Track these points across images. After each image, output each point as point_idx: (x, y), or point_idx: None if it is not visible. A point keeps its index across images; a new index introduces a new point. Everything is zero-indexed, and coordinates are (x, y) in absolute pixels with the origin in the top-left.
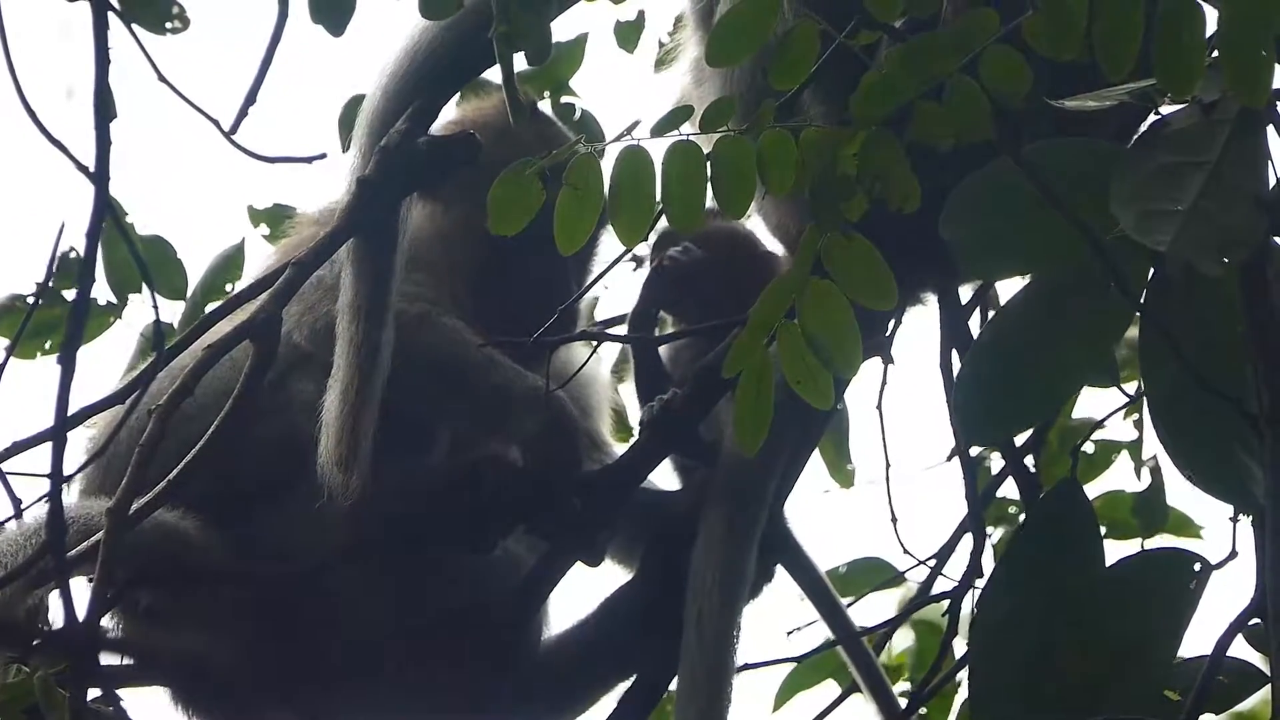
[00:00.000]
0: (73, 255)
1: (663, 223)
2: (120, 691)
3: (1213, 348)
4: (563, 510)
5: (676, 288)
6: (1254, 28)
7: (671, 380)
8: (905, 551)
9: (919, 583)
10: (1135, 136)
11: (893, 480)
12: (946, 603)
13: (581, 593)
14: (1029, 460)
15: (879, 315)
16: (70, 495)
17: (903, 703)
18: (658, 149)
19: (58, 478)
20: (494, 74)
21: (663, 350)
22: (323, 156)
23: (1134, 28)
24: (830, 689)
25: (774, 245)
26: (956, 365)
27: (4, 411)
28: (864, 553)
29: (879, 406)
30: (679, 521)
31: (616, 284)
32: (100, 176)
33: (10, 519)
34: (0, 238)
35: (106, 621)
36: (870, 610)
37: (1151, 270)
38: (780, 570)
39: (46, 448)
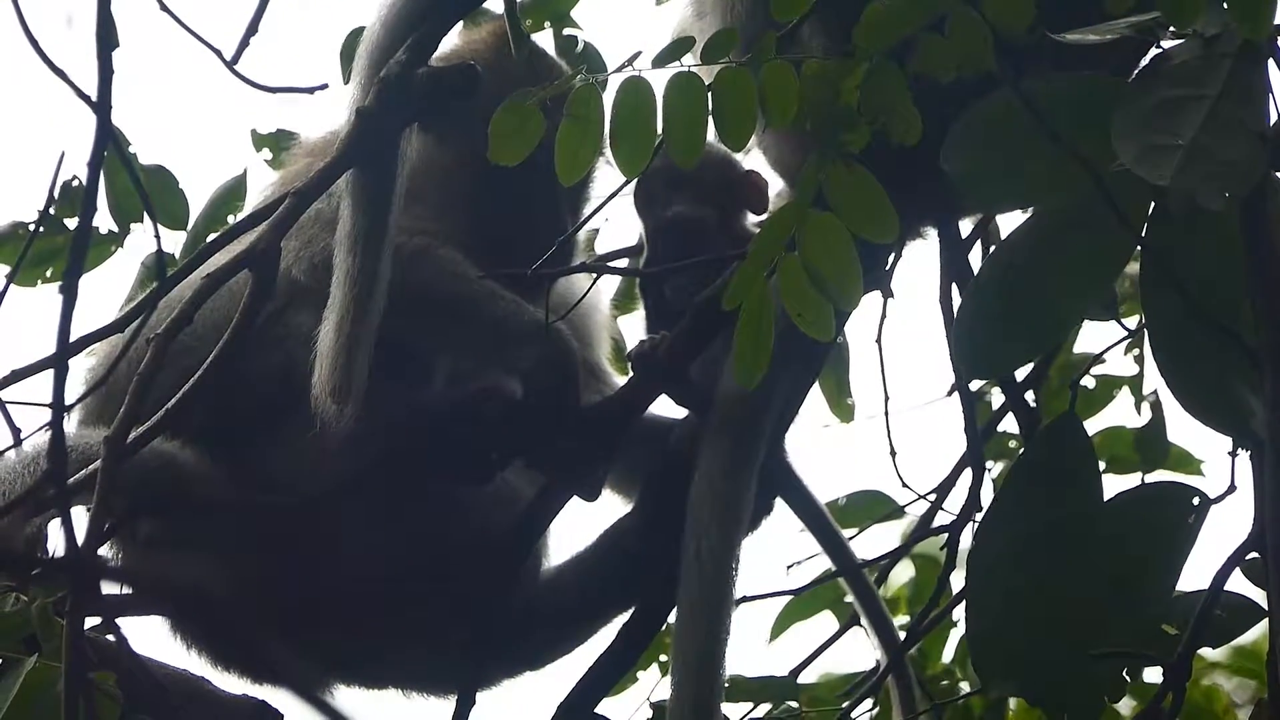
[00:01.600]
0: (74, 184)
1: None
2: (119, 621)
3: (1213, 282)
4: (561, 443)
5: (690, 241)
6: None
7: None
8: (905, 485)
9: (919, 516)
10: (1136, 70)
11: (892, 414)
12: (945, 536)
13: (580, 524)
14: (1029, 395)
15: (879, 248)
16: (70, 425)
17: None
18: (659, 81)
19: (59, 406)
20: (495, 5)
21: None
22: (324, 87)
23: None
24: (826, 620)
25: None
26: (956, 299)
27: (4, 340)
28: (864, 487)
29: (878, 340)
30: (678, 454)
31: (615, 216)
32: (102, 105)
33: (10, 448)
34: (1, 165)
35: (106, 551)
36: (870, 544)
37: (1152, 204)
38: (780, 504)
39: (45, 377)
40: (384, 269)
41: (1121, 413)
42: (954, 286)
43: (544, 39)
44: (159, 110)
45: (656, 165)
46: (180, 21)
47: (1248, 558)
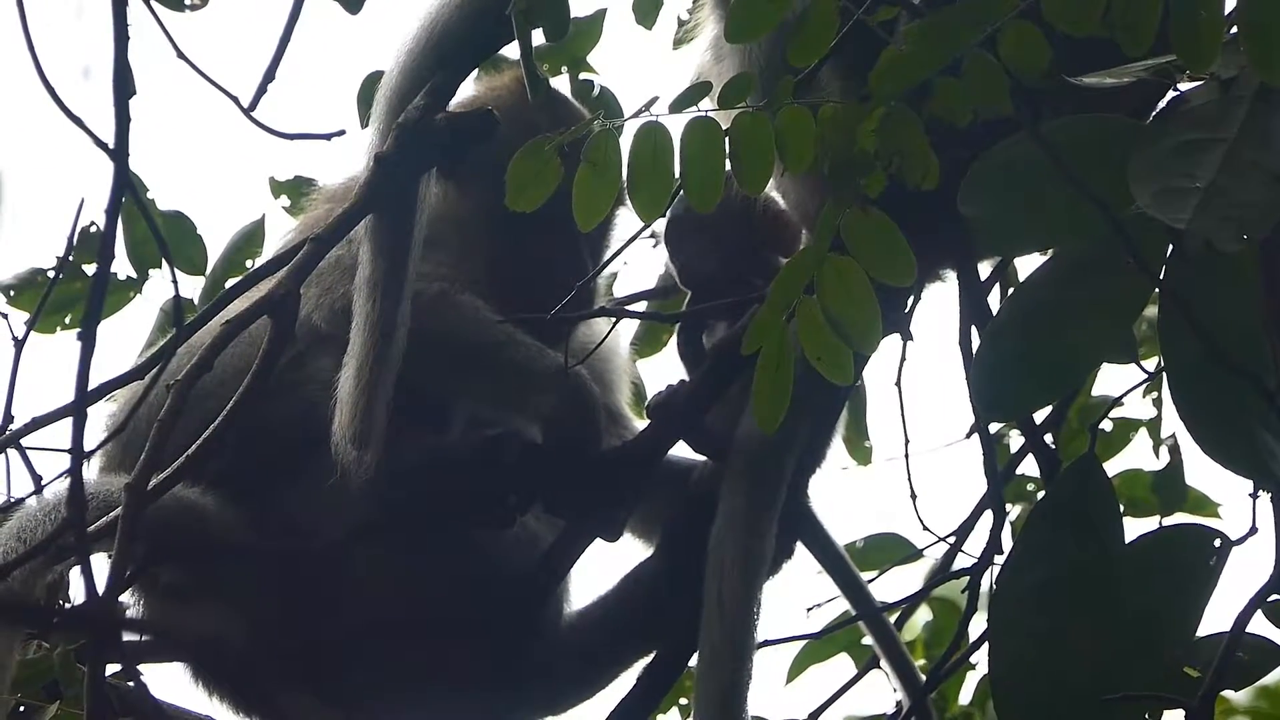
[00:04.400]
0: (93, 230)
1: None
2: (140, 667)
3: (1231, 324)
4: (581, 487)
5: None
6: (1273, 3)
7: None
8: (925, 528)
9: (938, 559)
10: (1154, 113)
11: (912, 457)
12: (965, 579)
13: (602, 568)
14: (1049, 438)
15: (898, 291)
16: (90, 471)
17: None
18: (676, 126)
19: (78, 453)
20: (512, 50)
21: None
22: (341, 133)
23: (1153, 3)
24: (844, 663)
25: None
26: (976, 342)
27: (24, 386)
28: (883, 529)
29: (898, 383)
30: (699, 497)
31: (634, 260)
32: (120, 153)
33: (31, 494)
34: (21, 213)
35: (127, 598)
36: (889, 587)
37: (1170, 247)
38: (800, 547)
39: (66, 423)
40: (403, 315)
41: (1140, 456)
42: (973, 329)
43: (561, 84)
44: (177, 157)
45: (679, 210)
46: (198, 69)
47: (1269, 600)
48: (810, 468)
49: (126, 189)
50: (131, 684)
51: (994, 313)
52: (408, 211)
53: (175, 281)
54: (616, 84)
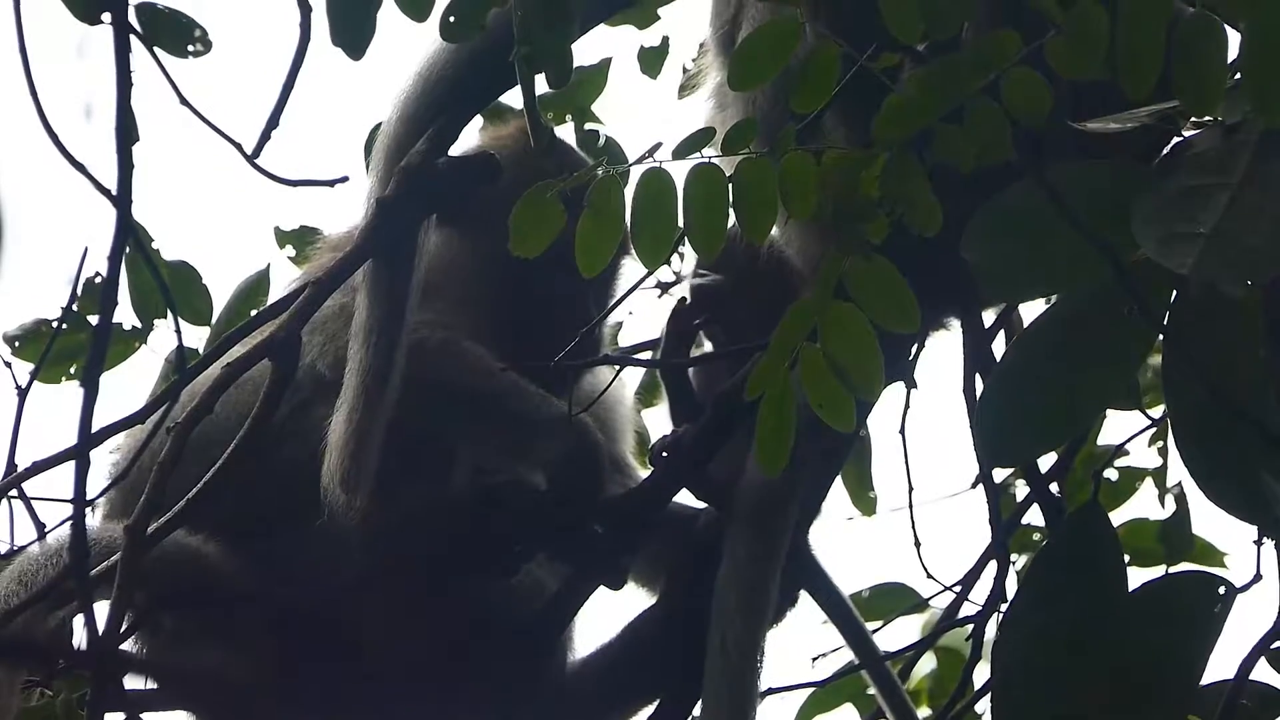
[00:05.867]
0: (97, 279)
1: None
2: (142, 714)
3: (1236, 370)
4: (585, 535)
5: (699, 317)
6: (1276, 49)
7: (702, 404)
8: (929, 577)
9: (943, 608)
10: (1158, 158)
11: (916, 506)
12: (970, 628)
13: (606, 616)
14: (1054, 486)
15: (902, 339)
16: (93, 518)
17: None
18: (679, 173)
19: (81, 499)
20: (514, 99)
21: (694, 373)
22: (345, 180)
23: (1156, 49)
24: (849, 713)
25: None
26: (979, 389)
27: (28, 437)
28: (888, 579)
29: (902, 431)
30: (703, 545)
31: (639, 307)
32: (123, 200)
33: (33, 542)
34: (23, 261)
35: (129, 644)
36: (893, 636)
37: (1174, 293)
38: (804, 595)
39: (68, 473)
40: (397, 360)
41: (1145, 505)
42: (977, 376)
43: (567, 133)
44: (180, 204)
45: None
46: (201, 115)
47: (1273, 647)
48: (811, 515)
49: (130, 237)
50: None
51: (998, 360)
52: (407, 257)
53: (179, 332)
54: (622, 133)
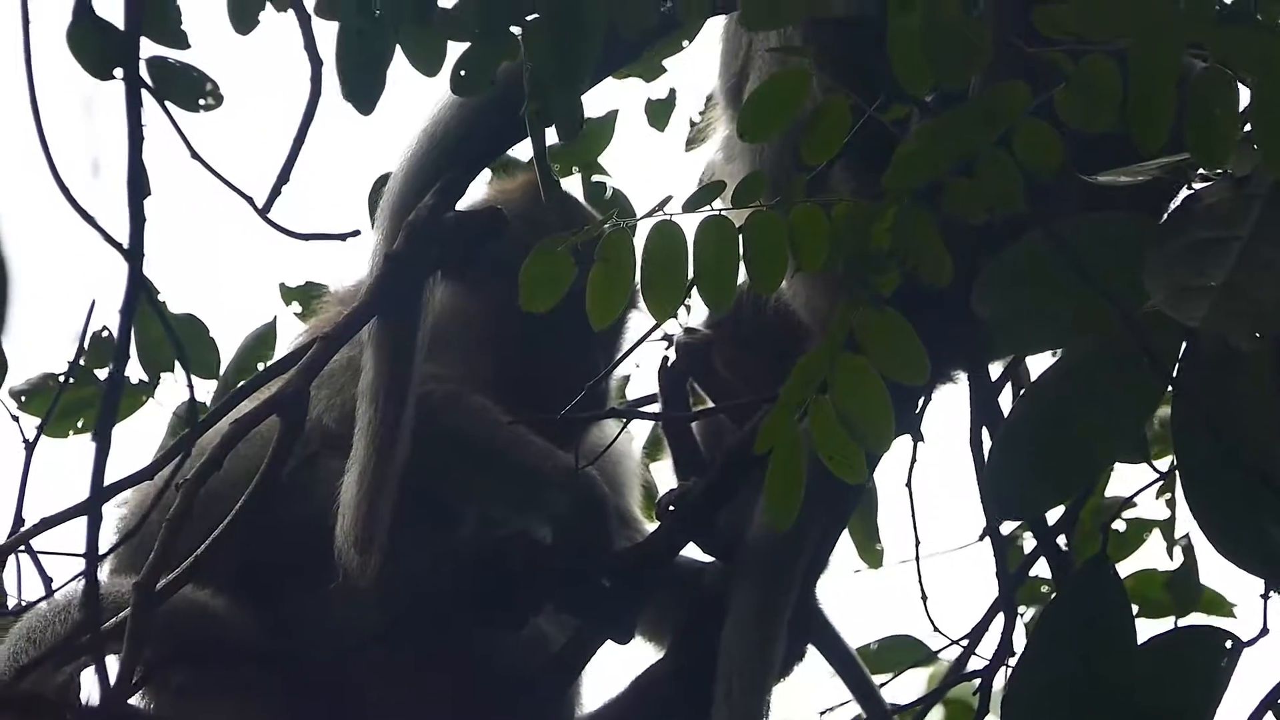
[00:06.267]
0: (104, 334)
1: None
2: None
3: (1245, 422)
4: (592, 588)
5: (689, 371)
6: None
7: (705, 458)
8: (936, 630)
9: (951, 661)
10: (1168, 211)
11: (923, 558)
12: (978, 681)
13: (613, 670)
14: (1061, 539)
15: (910, 391)
16: (100, 573)
17: None
18: (689, 225)
19: (93, 554)
20: (521, 151)
21: (696, 427)
22: (356, 234)
23: (1168, 101)
24: None
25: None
26: (987, 443)
27: (34, 491)
28: (895, 631)
29: (909, 484)
30: (709, 599)
31: (646, 360)
32: (135, 254)
33: (42, 598)
34: (27, 314)
35: (138, 700)
36: (901, 689)
37: (1184, 345)
38: (811, 649)
39: (76, 527)
40: (406, 419)
41: (1153, 556)
42: (984, 429)
43: (573, 185)
44: (188, 256)
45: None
46: (212, 169)
47: None
48: (818, 569)
49: (142, 291)
50: None
51: (1005, 413)
52: (413, 313)
53: (191, 385)
54: (629, 185)
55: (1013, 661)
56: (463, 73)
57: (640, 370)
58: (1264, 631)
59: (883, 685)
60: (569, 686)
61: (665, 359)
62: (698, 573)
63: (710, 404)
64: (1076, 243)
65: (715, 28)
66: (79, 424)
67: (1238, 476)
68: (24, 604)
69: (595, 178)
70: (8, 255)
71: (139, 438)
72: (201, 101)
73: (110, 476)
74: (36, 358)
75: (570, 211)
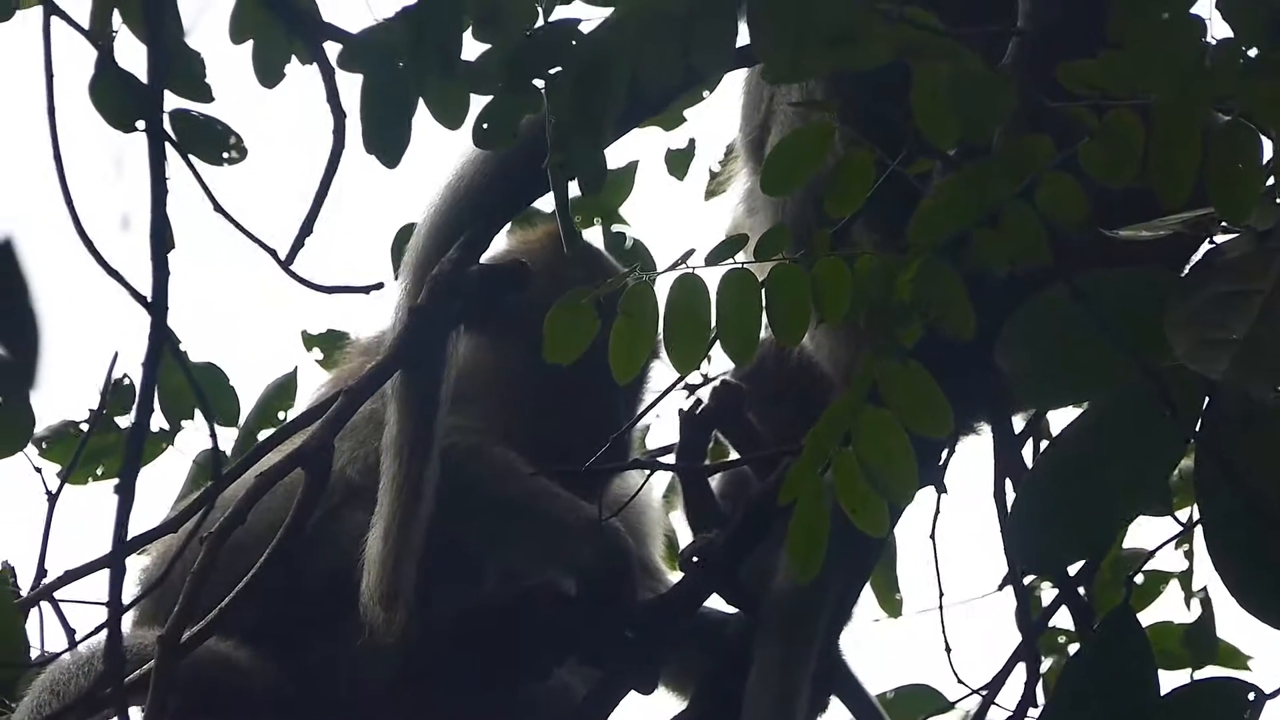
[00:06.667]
0: (126, 383)
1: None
2: None
3: (1268, 475)
4: (616, 640)
5: (721, 417)
6: None
7: (721, 510)
8: (959, 680)
9: (971, 712)
10: (1190, 264)
11: (945, 609)
12: None
13: None
14: (1081, 589)
15: (933, 444)
16: (123, 625)
17: None
18: (711, 278)
19: (117, 605)
20: (542, 201)
21: (716, 476)
22: (380, 286)
23: (1192, 156)
24: None
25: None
26: (1009, 494)
27: (56, 539)
28: (914, 680)
29: (932, 536)
30: (733, 650)
31: (665, 411)
32: (158, 307)
33: (65, 650)
34: (53, 363)
35: None
36: None
37: (1206, 399)
38: (835, 700)
39: (97, 578)
40: (430, 473)
41: (1170, 608)
42: (1007, 481)
43: (594, 235)
44: (211, 306)
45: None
46: (235, 222)
47: None
48: (842, 620)
49: (165, 343)
50: None
51: (1028, 465)
52: (437, 368)
53: (213, 435)
54: (648, 235)
55: (1034, 712)
56: (486, 126)
57: (660, 420)
58: None
59: None
60: None
61: (692, 406)
62: (721, 624)
63: (733, 453)
64: (1099, 296)
65: (736, 79)
66: (99, 471)
67: (1260, 529)
68: (47, 655)
69: (615, 227)
70: (40, 313)
71: (158, 484)
72: (226, 155)
73: (131, 521)
74: (56, 406)
75: (592, 263)
